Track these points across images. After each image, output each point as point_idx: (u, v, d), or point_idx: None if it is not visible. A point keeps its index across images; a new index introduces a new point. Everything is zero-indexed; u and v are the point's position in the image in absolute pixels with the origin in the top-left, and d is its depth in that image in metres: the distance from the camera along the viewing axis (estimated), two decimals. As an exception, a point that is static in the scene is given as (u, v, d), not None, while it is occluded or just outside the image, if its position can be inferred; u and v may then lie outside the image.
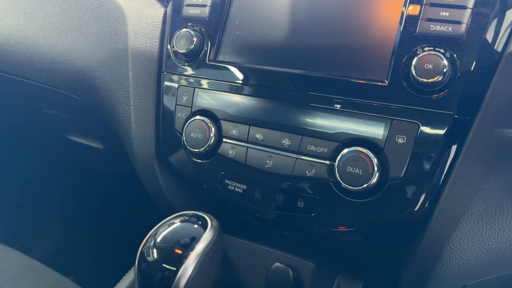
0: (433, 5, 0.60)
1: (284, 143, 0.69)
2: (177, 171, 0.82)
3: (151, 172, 0.86)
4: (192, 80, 0.78)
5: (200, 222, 0.66)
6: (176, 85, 0.80)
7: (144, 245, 0.63)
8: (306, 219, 0.69)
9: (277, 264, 0.76)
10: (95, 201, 1.76)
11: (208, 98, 0.76)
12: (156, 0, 0.90)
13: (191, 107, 0.78)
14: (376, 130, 0.62)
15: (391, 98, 0.62)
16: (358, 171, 0.61)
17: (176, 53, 0.79)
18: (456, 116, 0.58)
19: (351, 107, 0.64)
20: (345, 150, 0.63)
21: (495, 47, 0.59)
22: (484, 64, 0.58)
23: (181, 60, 0.79)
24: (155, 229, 0.65)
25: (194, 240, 0.62)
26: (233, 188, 0.74)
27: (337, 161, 0.63)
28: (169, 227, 0.64)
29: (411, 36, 0.61)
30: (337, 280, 0.79)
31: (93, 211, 1.77)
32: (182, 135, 0.77)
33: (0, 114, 1.44)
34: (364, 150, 0.61)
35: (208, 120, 0.74)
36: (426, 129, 0.59)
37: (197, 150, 0.75)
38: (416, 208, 0.61)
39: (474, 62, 0.58)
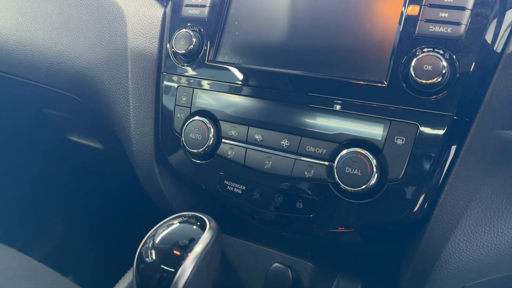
0: (432, 6, 0.60)
1: (283, 144, 0.69)
2: (176, 172, 0.82)
3: (150, 173, 0.86)
4: (191, 81, 0.78)
5: (198, 223, 0.66)
6: (175, 85, 0.80)
7: (143, 246, 0.63)
8: (305, 220, 0.69)
9: (276, 264, 0.76)
10: (94, 201, 1.77)
11: (207, 99, 0.76)
12: (156, 1, 0.90)
13: (190, 107, 0.78)
14: (375, 131, 0.62)
15: (390, 99, 0.62)
16: (357, 172, 0.61)
17: (175, 53, 0.79)
18: (455, 117, 0.58)
19: (350, 108, 0.64)
20: (344, 151, 0.63)
21: (494, 48, 0.59)
22: (484, 65, 0.58)
23: (180, 60, 0.79)
24: (154, 230, 0.65)
25: (193, 241, 0.62)
26: (232, 188, 0.74)
27: (336, 162, 0.63)
28: (167, 228, 0.64)
29: (410, 37, 0.61)
30: (336, 281, 0.79)
31: (92, 211, 1.77)
32: (181, 135, 0.77)
33: (0, 114, 1.44)
34: (363, 151, 0.61)
35: (207, 121, 0.74)
36: (425, 130, 0.59)
37: (196, 150, 0.75)
38: (415, 209, 0.61)
39: (473, 63, 0.58)
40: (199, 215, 0.68)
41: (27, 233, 1.67)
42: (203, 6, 0.78)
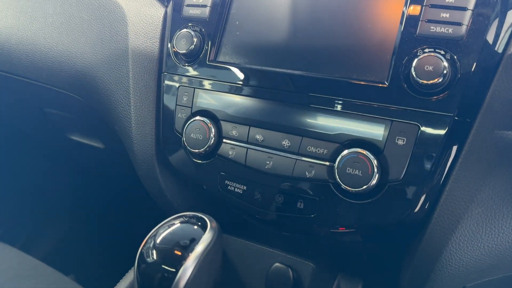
0: (433, 6, 0.60)
1: (284, 144, 0.69)
2: (177, 172, 0.82)
3: (151, 172, 0.86)
4: (192, 81, 0.78)
5: (199, 223, 0.66)
6: (176, 85, 0.80)
7: (144, 246, 0.63)
8: (306, 220, 0.69)
9: (277, 264, 0.76)
10: (95, 201, 1.77)
11: (208, 99, 0.76)
12: (157, 0, 0.90)
13: (191, 107, 0.78)
14: (376, 132, 0.62)
15: (391, 100, 0.62)
16: (358, 173, 0.61)
17: (176, 53, 0.79)
18: (456, 118, 0.58)
19: (351, 108, 0.64)
20: (345, 152, 0.63)
21: (495, 49, 0.59)
22: (485, 66, 0.58)
23: (182, 60, 0.79)
24: (155, 230, 0.65)
25: (194, 241, 0.62)
26: (233, 188, 0.74)
27: (337, 162, 0.63)
28: (168, 228, 0.64)
29: (412, 38, 0.61)
30: (337, 281, 0.79)
31: (93, 211, 1.77)
32: (182, 135, 0.77)
33: (0, 113, 1.44)
34: (364, 152, 0.61)
35: (208, 121, 0.74)
36: (426, 131, 0.59)
37: (197, 150, 0.75)
38: (415, 210, 0.61)
39: (475, 64, 0.58)
40: (200, 215, 0.68)
41: (28, 232, 1.67)
42: (204, 6, 0.78)
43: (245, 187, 0.73)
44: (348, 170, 0.62)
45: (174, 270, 0.58)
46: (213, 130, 0.74)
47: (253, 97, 0.72)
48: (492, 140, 0.58)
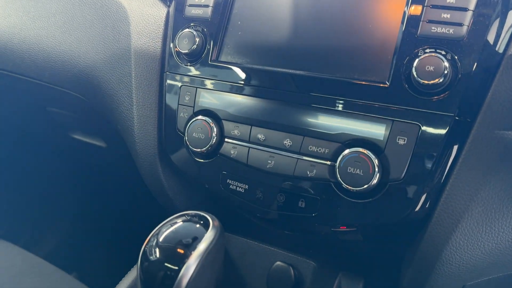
0: (434, 7, 0.60)
1: (286, 144, 0.69)
2: (179, 171, 0.83)
3: (154, 171, 0.87)
4: (194, 80, 0.79)
5: (202, 222, 0.66)
6: (178, 84, 0.80)
7: (147, 244, 0.63)
8: (307, 219, 0.69)
9: (278, 262, 0.76)
10: (98, 200, 1.77)
11: (210, 98, 0.77)
12: (159, 0, 0.90)
13: (194, 107, 0.78)
14: (377, 131, 0.63)
15: (392, 100, 0.62)
16: (359, 172, 0.62)
17: (178, 53, 0.80)
18: (456, 118, 0.59)
19: (352, 108, 0.65)
20: (346, 151, 0.63)
21: (496, 49, 0.59)
22: (485, 66, 0.58)
23: (184, 60, 0.80)
24: (158, 229, 0.65)
25: (196, 239, 0.62)
26: (234, 187, 0.74)
27: (338, 161, 0.63)
28: (171, 227, 0.65)
29: (413, 38, 0.61)
30: (338, 279, 0.80)
31: (95, 209, 1.78)
32: (184, 134, 0.78)
33: (3, 112, 1.45)
34: (365, 151, 0.62)
35: (210, 120, 0.75)
36: (427, 130, 0.60)
37: (199, 149, 0.75)
38: (416, 209, 0.62)
39: (475, 64, 0.58)
40: (202, 213, 0.69)
41: (31, 230, 1.68)
42: (206, 6, 0.79)
43: (246, 186, 0.73)
44: (349, 169, 0.62)
45: (177, 268, 0.59)
46: (215, 129, 0.74)
47: (254, 97, 0.73)
48: (493, 140, 0.58)
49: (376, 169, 0.61)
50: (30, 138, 1.61)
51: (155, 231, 0.65)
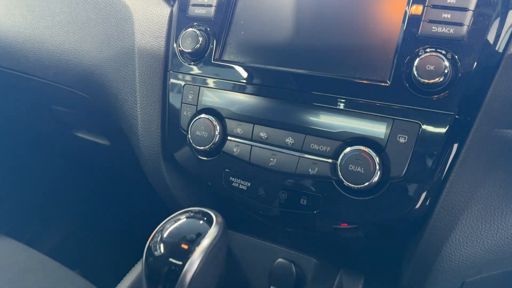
0: (435, 7, 0.61)
1: (288, 142, 0.70)
2: (182, 168, 0.84)
3: (157, 169, 0.87)
4: (197, 79, 0.79)
5: (205, 218, 0.67)
6: (182, 83, 0.81)
7: (151, 240, 0.64)
8: (309, 216, 0.70)
9: (280, 259, 0.77)
10: (101, 197, 1.78)
11: (213, 97, 0.78)
12: (163, 0, 0.91)
13: (197, 105, 0.79)
14: (378, 130, 0.63)
15: (393, 98, 0.63)
16: (360, 170, 0.62)
17: (182, 52, 0.81)
18: (457, 117, 0.59)
19: (354, 107, 0.65)
20: (348, 149, 0.64)
21: (496, 49, 0.60)
22: (485, 66, 0.59)
23: (187, 59, 0.81)
24: (162, 225, 0.66)
25: (200, 235, 0.63)
26: (237, 185, 0.75)
27: (339, 159, 0.64)
28: (175, 223, 0.66)
29: (413, 38, 0.62)
30: (339, 276, 0.80)
31: (99, 206, 1.78)
32: (187, 133, 0.78)
33: (8, 110, 1.46)
34: (366, 149, 0.62)
35: (213, 119, 0.76)
36: (427, 129, 0.60)
37: (202, 147, 0.76)
38: (416, 206, 0.63)
39: (475, 64, 0.59)
40: (205, 210, 0.70)
41: (35, 227, 1.69)
42: (210, 5, 0.79)
43: (249, 184, 0.74)
44: (351, 167, 0.63)
45: (181, 263, 0.60)
46: (218, 127, 0.75)
47: (257, 96, 0.73)
48: (492, 138, 0.59)
49: (377, 167, 0.62)
50: (35, 136, 1.62)
51: (160, 227, 0.66)
